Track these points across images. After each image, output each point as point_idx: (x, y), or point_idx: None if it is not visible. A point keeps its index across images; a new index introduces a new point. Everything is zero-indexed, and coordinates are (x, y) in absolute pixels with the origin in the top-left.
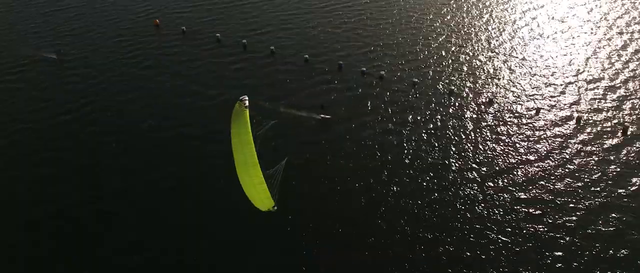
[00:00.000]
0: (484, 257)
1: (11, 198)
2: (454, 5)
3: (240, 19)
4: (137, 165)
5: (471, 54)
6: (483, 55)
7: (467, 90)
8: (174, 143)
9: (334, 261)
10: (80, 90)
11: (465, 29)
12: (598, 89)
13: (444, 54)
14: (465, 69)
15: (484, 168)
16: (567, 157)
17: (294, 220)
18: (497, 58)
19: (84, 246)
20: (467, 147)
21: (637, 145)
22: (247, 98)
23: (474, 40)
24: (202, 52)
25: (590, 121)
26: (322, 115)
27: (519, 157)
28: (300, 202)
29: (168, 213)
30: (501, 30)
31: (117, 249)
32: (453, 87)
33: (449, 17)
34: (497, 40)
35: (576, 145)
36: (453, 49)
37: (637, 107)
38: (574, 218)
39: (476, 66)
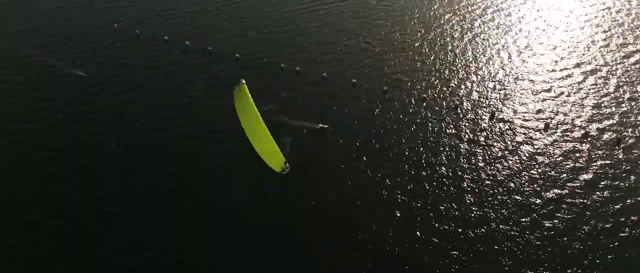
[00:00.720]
0: (484, 257)
1: (11, 198)
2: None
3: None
4: (137, 165)
5: (480, 69)
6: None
7: (469, 100)
8: (174, 143)
9: (334, 261)
10: (80, 90)
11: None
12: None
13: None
14: (463, 81)
15: (484, 170)
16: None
17: (293, 220)
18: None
19: (84, 246)
20: (465, 150)
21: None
22: (243, 80)
23: (479, 54)
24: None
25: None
26: (321, 125)
27: (516, 163)
28: (300, 202)
29: (168, 213)
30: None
31: (117, 249)
32: (455, 99)
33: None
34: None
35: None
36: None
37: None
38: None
39: (478, 77)
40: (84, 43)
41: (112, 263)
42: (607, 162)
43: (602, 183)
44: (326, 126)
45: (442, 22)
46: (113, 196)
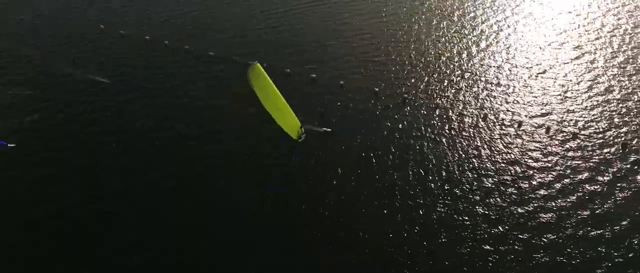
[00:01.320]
0: (483, 257)
1: (11, 198)
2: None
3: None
4: (137, 165)
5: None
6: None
7: (468, 103)
8: (174, 143)
9: (334, 261)
10: (80, 90)
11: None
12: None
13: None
14: (456, 82)
15: (483, 172)
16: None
17: (293, 220)
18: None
19: (84, 246)
20: (466, 150)
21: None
22: (256, 61)
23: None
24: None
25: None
26: (323, 129)
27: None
28: (300, 202)
29: (168, 213)
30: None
31: (117, 249)
32: (442, 100)
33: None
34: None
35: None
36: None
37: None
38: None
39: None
40: (84, 43)
41: (112, 263)
42: (539, 153)
43: (530, 172)
44: (329, 130)
45: (419, 21)
46: (113, 196)
